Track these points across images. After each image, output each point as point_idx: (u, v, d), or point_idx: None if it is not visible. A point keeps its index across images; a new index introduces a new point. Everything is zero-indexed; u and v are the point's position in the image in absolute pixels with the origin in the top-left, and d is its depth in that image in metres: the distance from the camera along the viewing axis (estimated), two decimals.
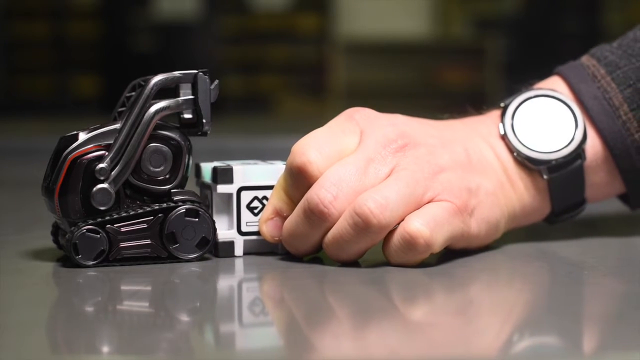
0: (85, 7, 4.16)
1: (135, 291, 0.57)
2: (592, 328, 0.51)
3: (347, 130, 0.62)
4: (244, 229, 0.64)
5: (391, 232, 0.59)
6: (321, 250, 0.62)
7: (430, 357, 0.44)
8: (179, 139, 0.62)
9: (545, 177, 0.67)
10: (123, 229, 0.60)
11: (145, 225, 0.61)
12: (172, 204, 0.61)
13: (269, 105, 4.18)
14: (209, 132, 0.62)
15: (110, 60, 4.07)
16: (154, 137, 0.61)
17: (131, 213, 0.61)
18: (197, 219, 0.61)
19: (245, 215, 0.64)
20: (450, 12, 4.60)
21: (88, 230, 0.60)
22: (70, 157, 0.60)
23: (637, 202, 0.71)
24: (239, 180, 0.64)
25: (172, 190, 0.62)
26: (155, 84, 0.62)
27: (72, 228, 0.60)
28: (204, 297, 0.58)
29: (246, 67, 4.30)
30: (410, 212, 0.59)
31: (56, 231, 0.64)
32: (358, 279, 0.59)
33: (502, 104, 0.69)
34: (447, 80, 4.43)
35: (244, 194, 0.64)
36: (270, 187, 0.64)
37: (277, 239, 0.63)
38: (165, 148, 0.61)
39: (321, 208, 0.59)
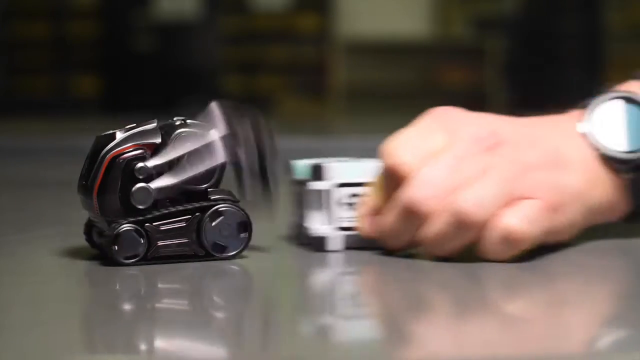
0: (85, 7, 4.16)
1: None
2: None
3: (436, 129, 0.64)
4: (339, 224, 0.66)
5: (486, 228, 0.61)
6: (415, 247, 0.64)
7: (524, 351, 0.45)
8: (216, 139, 0.63)
9: (626, 176, 0.68)
10: (162, 228, 0.61)
11: (183, 224, 0.61)
12: (208, 203, 0.62)
13: (269, 105, 4.18)
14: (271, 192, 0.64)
15: (110, 60, 4.06)
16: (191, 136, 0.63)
17: (170, 211, 0.61)
18: (223, 217, 0.62)
19: (340, 211, 0.65)
20: (450, 12, 4.60)
21: (129, 228, 0.60)
22: (109, 156, 0.61)
23: None
24: (335, 177, 0.65)
25: (208, 190, 0.62)
26: (222, 110, 0.63)
27: (113, 225, 0.60)
28: (301, 291, 0.60)
29: (246, 67, 4.30)
30: (503, 209, 0.62)
31: (89, 230, 0.65)
32: (454, 273, 0.61)
33: (583, 104, 0.70)
34: (447, 80, 4.43)
35: (339, 190, 0.65)
36: (364, 184, 0.65)
37: (372, 235, 0.65)
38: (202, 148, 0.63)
39: (416, 207, 0.61)
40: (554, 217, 0.64)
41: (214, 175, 0.63)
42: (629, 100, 0.70)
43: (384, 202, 0.64)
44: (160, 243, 0.61)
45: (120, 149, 0.61)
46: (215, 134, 0.63)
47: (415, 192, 0.61)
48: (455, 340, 0.47)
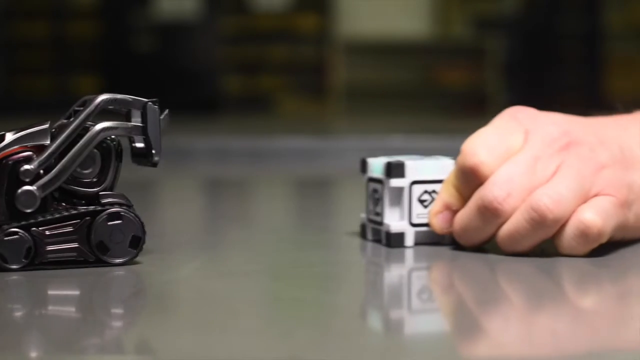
0: (85, 7, 4.17)
1: (135, 291, 0.57)
2: None
3: (513, 129, 0.66)
4: (414, 220, 0.67)
5: (563, 224, 0.63)
6: (488, 242, 0.66)
7: (595, 346, 0.46)
8: (108, 142, 0.61)
9: None
10: (48, 232, 0.59)
11: (71, 229, 0.60)
12: (99, 207, 0.60)
13: (269, 105, 4.18)
14: (158, 164, 0.62)
15: (110, 60, 4.07)
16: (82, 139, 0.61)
17: (57, 216, 0.60)
18: (121, 221, 0.60)
19: (416, 207, 0.67)
20: (450, 12, 4.60)
21: (13, 233, 0.59)
22: None
23: None
24: (411, 174, 0.67)
25: (100, 193, 0.61)
26: (102, 101, 0.61)
27: (3, 227, 0.59)
28: (374, 287, 0.61)
29: (246, 67, 4.30)
30: (579, 206, 0.63)
31: None
32: (528, 267, 0.62)
33: None
34: (447, 80, 4.43)
35: (415, 187, 0.67)
36: (439, 182, 0.67)
37: (445, 231, 0.67)
38: (94, 150, 0.61)
39: (495, 205, 0.63)
40: (626, 213, 0.65)
41: (106, 178, 0.61)
42: None
43: (458, 199, 0.66)
44: (48, 248, 0.59)
45: (7, 151, 0.59)
46: (99, 125, 0.60)
47: (495, 190, 0.63)
48: (527, 335, 0.49)
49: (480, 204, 0.64)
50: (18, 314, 0.53)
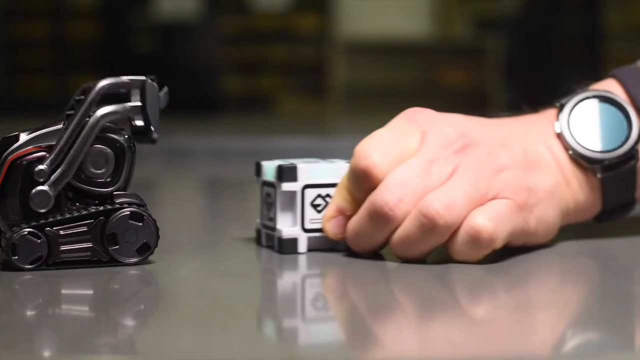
0: (85, 7, 4.16)
1: (136, 290, 0.57)
2: None
3: (409, 131, 0.64)
4: (307, 226, 0.65)
5: (455, 229, 0.61)
6: (382, 249, 0.63)
7: (490, 353, 0.45)
8: (122, 141, 0.61)
9: (599, 176, 0.68)
10: (62, 232, 0.59)
11: (85, 229, 0.60)
12: (114, 207, 0.60)
13: (269, 105, 4.18)
14: (157, 140, 0.61)
15: (110, 60, 4.07)
16: (96, 139, 0.60)
17: (70, 216, 0.60)
18: (140, 223, 0.60)
19: (309, 212, 0.65)
20: (450, 12, 4.60)
21: (28, 233, 0.59)
22: (10, 158, 0.59)
23: None
24: (304, 178, 0.64)
25: (114, 193, 0.61)
26: (102, 88, 0.61)
27: (14, 229, 0.59)
28: (268, 294, 0.59)
29: (246, 67, 4.30)
30: (473, 210, 0.61)
31: None
32: (421, 275, 0.60)
33: (557, 104, 0.70)
34: (447, 80, 4.43)
35: (308, 191, 0.65)
36: (333, 185, 0.65)
37: (339, 236, 0.64)
38: (107, 150, 0.61)
39: (386, 210, 0.60)
40: (525, 216, 0.63)
41: (120, 178, 0.61)
42: (604, 99, 0.69)
43: (352, 203, 0.63)
44: (62, 248, 0.59)
45: (22, 152, 0.59)
46: (99, 111, 0.60)
47: (386, 195, 0.60)
48: (420, 342, 0.47)
49: (371, 209, 0.61)
50: (31, 313, 0.54)
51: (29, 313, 0.53)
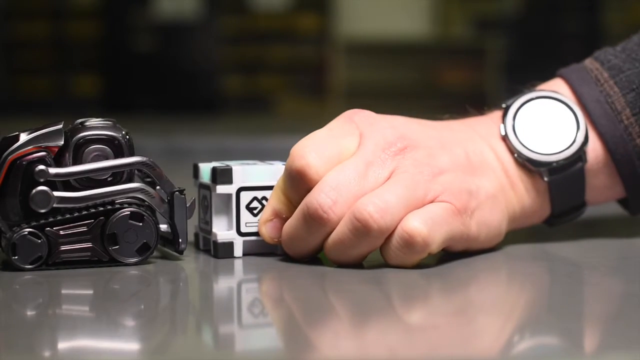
0: (85, 7, 4.16)
1: (135, 291, 0.57)
2: (593, 328, 0.51)
3: (347, 132, 0.62)
4: (243, 229, 0.63)
5: (390, 233, 0.59)
6: (321, 252, 0.62)
7: (429, 358, 0.44)
8: (118, 137, 0.61)
9: (545, 179, 0.66)
10: (62, 232, 0.59)
11: (85, 229, 0.60)
12: (114, 207, 0.60)
13: (269, 105, 4.18)
14: (184, 251, 0.62)
15: (110, 60, 4.06)
16: (94, 140, 0.61)
17: (70, 216, 0.60)
18: (141, 223, 0.60)
19: (245, 215, 0.63)
20: (450, 12, 4.60)
21: (28, 233, 0.59)
22: (10, 158, 0.59)
23: (637, 207, 0.70)
24: (239, 180, 0.63)
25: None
26: (137, 163, 0.61)
27: (14, 229, 0.59)
28: (203, 298, 0.58)
29: (246, 67, 4.30)
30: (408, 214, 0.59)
31: None
32: (357, 279, 0.59)
33: (503, 105, 0.68)
34: (447, 80, 4.43)
35: (243, 194, 0.63)
36: (269, 188, 0.63)
37: (276, 240, 0.62)
38: (106, 149, 0.61)
39: (320, 213, 0.59)
40: (464, 220, 0.61)
41: (121, 177, 0.61)
42: (550, 100, 0.68)
43: (288, 206, 0.62)
44: (62, 248, 0.59)
45: (22, 152, 0.59)
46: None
47: (320, 197, 0.59)
48: (357, 347, 0.46)
49: (305, 211, 0.59)
50: (31, 312, 0.54)
51: (29, 313, 0.53)
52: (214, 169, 0.63)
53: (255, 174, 0.64)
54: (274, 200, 0.62)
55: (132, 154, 0.61)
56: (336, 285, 0.58)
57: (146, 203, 0.61)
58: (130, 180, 0.61)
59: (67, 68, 4.15)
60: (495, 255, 0.65)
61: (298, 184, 0.61)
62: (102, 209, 0.60)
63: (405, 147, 0.61)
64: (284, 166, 0.63)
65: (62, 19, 4.16)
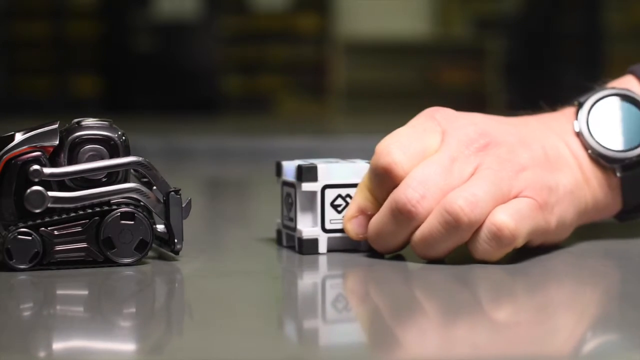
0: (85, 7, 4.16)
1: (134, 291, 0.57)
2: None
3: (429, 129, 0.63)
4: (327, 226, 0.64)
5: (478, 227, 0.60)
6: (404, 248, 0.63)
7: (511, 355, 0.45)
8: (114, 137, 0.61)
9: (618, 174, 0.67)
10: (57, 232, 0.59)
11: (80, 229, 0.60)
12: (107, 207, 0.60)
13: (269, 105, 4.18)
14: (180, 251, 0.62)
15: (110, 60, 4.07)
16: (89, 140, 0.60)
17: (66, 216, 0.60)
18: (133, 222, 0.60)
19: (329, 212, 0.64)
20: (450, 12, 4.60)
21: (18, 234, 0.59)
22: (5, 158, 0.59)
23: None
24: (324, 178, 0.64)
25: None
26: (133, 163, 0.61)
27: (9, 228, 0.59)
28: (288, 295, 0.59)
29: (246, 67, 4.30)
30: (495, 208, 0.61)
31: None
32: (442, 276, 0.60)
33: (576, 102, 0.69)
34: (447, 80, 4.43)
35: (328, 191, 0.64)
36: (353, 185, 0.64)
37: (361, 236, 0.63)
38: (102, 149, 0.61)
39: (409, 207, 0.60)
40: (546, 215, 0.62)
41: (116, 178, 0.61)
42: (623, 97, 0.69)
43: (373, 203, 0.63)
44: (57, 248, 0.59)
45: (17, 151, 0.59)
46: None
47: (408, 192, 0.60)
48: (442, 344, 0.47)
49: (393, 206, 0.60)
50: (26, 313, 0.54)
51: (25, 313, 0.53)
52: (299, 167, 0.64)
53: (340, 171, 0.64)
54: (359, 197, 0.63)
55: (128, 155, 0.61)
56: (422, 282, 0.59)
57: (141, 203, 0.61)
58: (125, 181, 0.61)
59: (67, 68, 4.15)
60: (565, 253, 0.66)
61: (384, 181, 0.62)
62: (97, 209, 0.60)
63: (488, 143, 0.63)
64: (366, 164, 0.64)
65: (62, 19, 4.16)
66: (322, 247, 0.64)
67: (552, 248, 0.66)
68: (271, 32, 4.30)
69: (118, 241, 0.60)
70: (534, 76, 4.15)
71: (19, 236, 0.59)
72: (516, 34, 4.36)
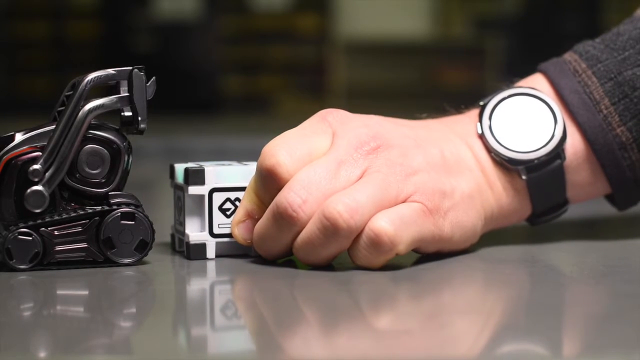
0: (85, 7, 4.16)
1: (133, 292, 0.57)
2: (574, 330, 0.50)
3: (319, 131, 0.61)
4: (216, 231, 0.63)
5: (359, 234, 0.58)
6: (291, 254, 0.61)
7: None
8: (117, 141, 0.61)
9: (523, 177, 0.65)
10: (57, 232, 0.59)
11: (80, 229, 0.60)
12: (107, 207, 0.60)
13: (269, 105, 4.18)
14: (144, 131, 0.61)
15: (110, 60, 4.06)
16: (91, 139, 0.60)
17: (65, 216, 0.60)
18: (133, 222, 0.60)
19: (217, 217, 0.63)
20: (450, 12, 4.60)
21: (19, 234, 0.59)
22: (5, 158, 0.59)
23: (623, 201, 0.69)
24: (211, 181, 0.62)
25: (110, 193, 0.61)
26: (89, 82, 0.61)
27: (11, 227, 0.59)
28: (178, 300, 0.58)
29: (246, 67, 4.30)
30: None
31: None
32: (327, 282, 0.58)
33: (480, 103, 0.68)
34: (447, 80, 4.43)
35: (216, 195, 0.63)
36: (243, 189, 0.62)
37: (249, 241, 0.62)
38: (103, 150, 0.61)
39: (290, 212, 0.58)
40: (437, 221, 0.60)
41: (116, 178, 0.61)
42: (527, 96, 0.67)
43: (260, 206, 0.61)
44: (57, 248, 0.59)
45: (17, 152, 0.59)
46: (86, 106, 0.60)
47: (289, 196, 0.58)
48: (328, 349, 0.45)
49: (275, 211, 0.58)
50: (26, 313, 0.54)
51: (25, 313, 0.53)
52: (186, 170, 0.63)
53: (228, 174, 0.63)
54: (246, 201, 0.61)
55: (130, 160, 0.61)
56: (307, 288, 0.57)
57: (136, 203, 0.61)
58: (123, 186, 0.61)
59: (67, 68, 4.15)
60: (469, 257, 0.64)
61: (269, 183, 0.60)
62: (98, 209, 0.60)
63: (379, 146, 0.60)
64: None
65: (62, 19, 4.16)
66: (211, 252, 0.63)
67: (453, 254, 0.63)
68: (271, 32, 4.29)
69: (118, 241, 0.60)
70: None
71: (19, 236, 0.59)
72: (516, 34, 4.36)
